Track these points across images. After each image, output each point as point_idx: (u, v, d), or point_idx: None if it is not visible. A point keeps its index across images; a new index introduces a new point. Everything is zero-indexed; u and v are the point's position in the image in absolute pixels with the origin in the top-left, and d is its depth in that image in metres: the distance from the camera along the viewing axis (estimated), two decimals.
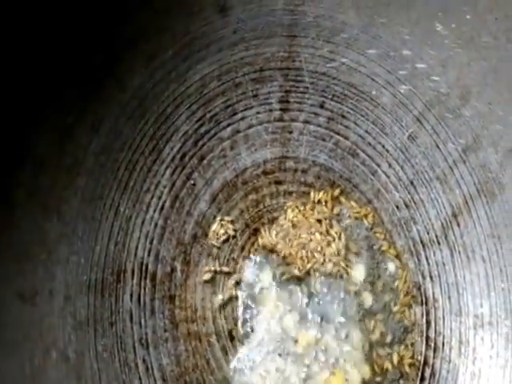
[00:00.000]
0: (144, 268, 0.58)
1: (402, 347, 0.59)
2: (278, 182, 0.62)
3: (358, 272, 0.60)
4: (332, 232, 0.60)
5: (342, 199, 0.62)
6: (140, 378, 0.55)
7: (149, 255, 0.58)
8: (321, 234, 0.60)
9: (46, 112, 0.52)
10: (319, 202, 0.61)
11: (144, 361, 0.56)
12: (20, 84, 0.51)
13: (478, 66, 0.58)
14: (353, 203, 0.62)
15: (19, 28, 0.50)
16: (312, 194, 0.61)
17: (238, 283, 0.59)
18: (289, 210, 0.61)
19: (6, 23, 0.49)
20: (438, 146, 0.61)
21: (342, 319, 0.58)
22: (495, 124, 0.59)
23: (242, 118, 0.62)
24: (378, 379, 0.58)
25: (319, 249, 0.59)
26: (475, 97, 0.59)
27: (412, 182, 0.62)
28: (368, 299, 0.60)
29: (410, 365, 0.58)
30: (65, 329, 0.52)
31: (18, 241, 0.51)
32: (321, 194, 0.62)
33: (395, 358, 0.58)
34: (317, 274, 0.59)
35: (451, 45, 0.58)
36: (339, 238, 0.60)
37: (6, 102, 0.49)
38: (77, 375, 0.52)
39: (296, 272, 0.59)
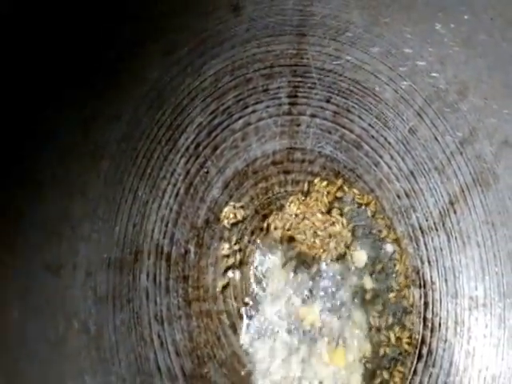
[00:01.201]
0: (160, 249, 0.61)
1: (401, 327, 0.62)
2: (286, 172, 0.66)
3: (360, 256, 0.64)
4: (335, 218, 0.64)
5: (346, 188, 0.66)
6: (155, 352, 0.59)
7: (164, 237, 0.62)
8: (325, 220, 0.64)
9: (72, 100, 0.55)
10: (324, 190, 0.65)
11: (159, 336, 0.59)
12: (49, 75, 0.55)
13: (475, 63, 0.62)
14: (356, 191, 0.65)
15: (47, 20, 0.54)
16: (317, 182, 0.65)
17: (245, 264, 0.63)
18: (292, 200, 0.65)
19: (32, 15, 0.52)
20: (436, 139, 0.65)
21: (345, 300, 0.62)
22: (490, 117, 0.62)
23: (253, 111, 0.66)
24: (378, 356, 0.62)
25: (323, 233, 0.63)
26: (472, 92, 0.63)
27: (412, 173, 0.66)
28: (369, 282, 0.63)
29: (409, 344, 0.62)
30: (86, 302, 0.56)
31: (45, 217, 0.55)
32: (325, 182, 0.65)
33: (394, 338, 0.62)
34: (321, 257, 0.63)
35: (450, 43, 0.62)
36: (342, 224, 0.64)
37: (37, 90, 0.53)
38: (96, 346, 0.56)
39: (302, 255, 0.63)
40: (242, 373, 0.61)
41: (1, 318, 0.49)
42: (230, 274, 0.63)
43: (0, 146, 0.50)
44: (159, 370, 0.58)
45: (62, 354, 0.52)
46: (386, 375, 0.61)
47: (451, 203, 0.64)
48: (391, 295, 0.63)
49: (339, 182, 0.65)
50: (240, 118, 0.65)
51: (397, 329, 0.62)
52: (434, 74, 0.63)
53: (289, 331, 0.61)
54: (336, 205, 0.65)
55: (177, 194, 0.63)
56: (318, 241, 0.63)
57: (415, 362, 0.61)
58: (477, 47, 0.61)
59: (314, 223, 0.63)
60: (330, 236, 0.63)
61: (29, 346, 0.50)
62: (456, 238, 0.64)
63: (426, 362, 0.61)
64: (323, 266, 0.63)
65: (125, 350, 0.57)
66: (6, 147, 0.51)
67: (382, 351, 0.61)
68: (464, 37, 0.61)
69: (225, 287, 0.63)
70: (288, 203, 0.65)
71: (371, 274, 0.64)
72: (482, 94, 0.62)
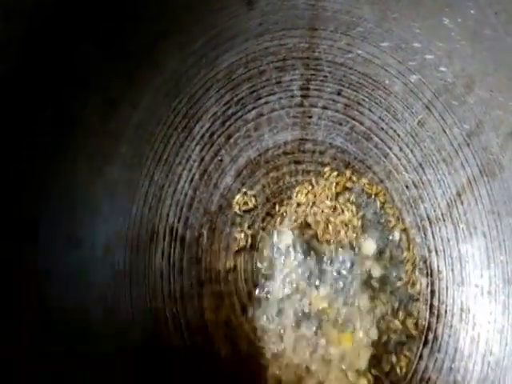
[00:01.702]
0: (174, 232, 0.64)
1: (408, 314, 0.64)
2: (297, 162, 0.68)
3: (369, 245, 0.66)
4: (345, 206, 0.66)
5: (355, 178, 0.68)
6: (167, 326, 0.61)
7: (179, 221, 0.64)
8: (334, 207, 0.66)
9: (98, 86, 0.59)
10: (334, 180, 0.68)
11: (172, 312, 0.62)
12: (72, 62, 0.58)
13: (481, 56, 0.63)
14: (365, 181, 0.67)
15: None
16: (327, 171, 0.67)
17: (256, 249, 0.65)
18: (301, 189, 0.67)
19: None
20: (444, 131, 0.66)
21: (353, 287, 0.64)
22: (496, 110, 0.64)
23: (266, 103, 0.68)
24: (385, 341, 0.63)
25: (334, 220, 0.65)
26: (478, 85, 0.64)
27: (421, 164, 0.67)
28: (377, 270, 0.65)
29: (415, 329, 0.63)
30: (105, 274, 0.59)
31: (67, 192, 0.58)
32: (335, 173, 0.67)
33: (400, 324, 0.63)
34: (331, 244, 0.65)
35: (457, 37, 0.64)
36: (352, 212, 0.66)
37: (61, 75, 0.56)
38: (113, 313, 0.59)
39: (312, 241, 0.65)
40: (252, 353, 0.63)
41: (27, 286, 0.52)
42: (240, 257, 0.65)
43: (27, 121, 0.53)
44: (170, 347, 0.61)
45: (83, 317, 0.55)
46: (392, 359, 0.62)
47: (458, 194, 0.66)
48: (398, 283, 0.65)
49: (348, 172, 0.67)
50: (253, 108, 0.68)
51: (403, 315, 0.64)
52: (442, 68, 0.65)
53: (297, 315, 0.63)
54: (346, 195, 0.67)
55: (191, 180, 0.66)
56: (330, 227, 0.65)
57: (421, 348, 0.63)
58: (483, 41, 0.63)
59: (323, 210, 0.65)
60: (340, 223, 0.65)
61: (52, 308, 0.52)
62: (463, 229, 0.65)
63: (432, 347, 0.62)
64: (333, 252, 0.65)
65: (140, 324, 0.60)
66: (33, 122, 0.54)
67: (388, 336, 0.63)
68: (470, 31, 0.63)
69: (235, 270, 0.65)
70: (297, 192, 0.67)
71: (379, 262, 0.65)
72: (488, 87, 0.64)
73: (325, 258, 0.64)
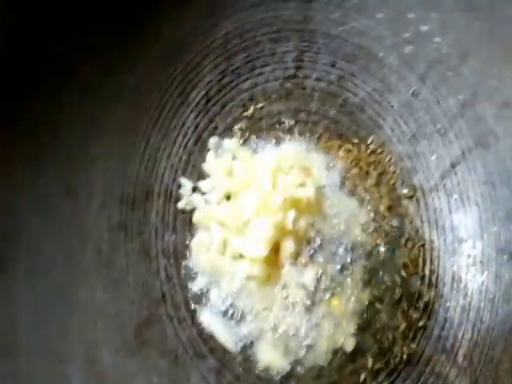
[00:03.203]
0: (169, 193, 0.65)
1: (399, 283, 0.63)
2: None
3: (362, 214, 0.66)
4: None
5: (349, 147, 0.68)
6: (161, 282, 0.62)
7: (173, 183, 0.65)
8: None
9: (97, 47, 0.60)
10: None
11: (165, 268, 0.62)
12: (70, 24, 0.60)
13: (475, 27, 0.64)
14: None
15: None
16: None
17: None
18: None
19: None
20: (438, 102, 0.66)
21: (344, 254, 0.63)
22: (491, 80, 0.64)
23: (260, 73, 0.69)
24: (375, 308, 0.62)
25: None
26: (473, 56, 0.64)
27: (414, 136, 0.67)
28: (369, 239, 0.65)
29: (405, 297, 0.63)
30: (100, 228, 0.60)
31: (66, 152, 0.59)
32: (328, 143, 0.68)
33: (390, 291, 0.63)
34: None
35: (451, 8, 0.64)
36: None
37: (58, 36, 0.58)
38: (108, 265, 0.60)
39: None
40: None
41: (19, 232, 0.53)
42: None
43: (29, 78, 0.55)
44: (164, 298, 0.61)
45: (76, 268, 0.55)
46: (382, 323, 0.61)
47: (452, 165, 0.66)
48: (390, 252, 0.64)
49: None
50: (248, 78, 0.69)
51: (395, 284, 0.63)
52: (436, 39, 0.66)
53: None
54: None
55: (186, 145, 0.67)
56: None
57: (411, 315, 0.62)
58: (477, 11, 0.63)
59: None
60: None
61: (47, 256, 0.53)
62: (456, 199, 0.65)
63: (422, 315, 0.62)
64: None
65: (134, 275, 0.61)
66: (34, 81, 0.56)
67: (377, 304, 0.62)
68: (465, 1, 0.64)
69: None
70: None
71: (371, 232, 0.65)
72: (482, 57, 0.64)
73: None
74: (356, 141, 0.68)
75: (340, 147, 0.67)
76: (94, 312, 0.52)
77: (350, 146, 0.67)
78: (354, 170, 0.67)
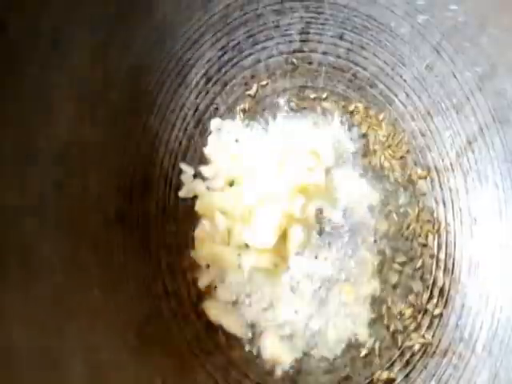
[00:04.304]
0: (169, 181, 0.61)
1: (413, 269, 0.60)
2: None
3: (374, 197, 0.62)
4: None
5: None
6: (163, 276, 0.59)
7: (173, 170, 0.62)
8: None
9: (85, 24, 0.56)
10: None
11: (167, 262, 0.59)
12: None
13: None
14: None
15: None
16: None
17: None
18: None
19: None
20: (454, 75, 0.62)
21: (358, 244, 0.60)
22: (511, 50, 0.59)
23: (263, 48, 0.65)
24: (388, 294, 0.60)
25: None
26: (492, 24, 0.59)
27: (428, 112, 0.63)
28: (381, 223, 0.61)
29: (420, 282, 0.60)
30: (97, 222, 0.55)
31: (57, 142, 0.54)
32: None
33: (405, 277, 0.60)
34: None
35: None
36: None
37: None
38: (105, 262, 0.55)
39: None
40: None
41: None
42: None
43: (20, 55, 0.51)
44: (166, 293, 0.58)
45: (72, 267, 0.52)
46: (396, 312, 0.59)
47: (469, 142, 0.62)
48: (403, 236, 0.61)
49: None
50: (250, 54, 0.65)
51: (408, 269, 0.60)
52: (452, 7, 0.61)
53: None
54: None
55: (186, 129, 0.63)
56: None
57: (425, 303, 0.59)
58: None
59: None
60: None
61: (42, 258, 0.50)
62: (473, 179, 0.61)
63: (437, 302, 0.59)
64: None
65: (133, 271, 0.57)
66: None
67: (391, 291, 0.60)
68: None
69: None
70: None
71: (385, 216, 0.62)
72: (502, 26, 0.59)
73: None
74: (367, 118, 0.64)
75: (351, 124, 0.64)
76: (92, 313, 0.49)
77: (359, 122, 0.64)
78: (365, 149, 0.63)
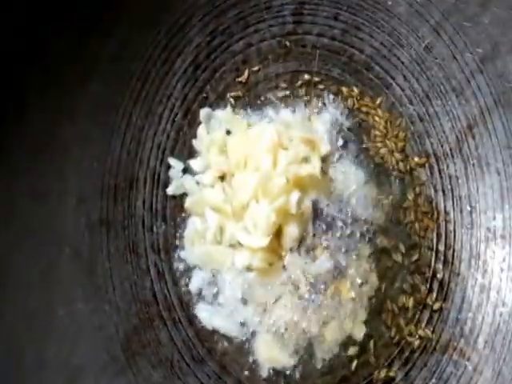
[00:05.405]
0: (156, 177, 0.59)
1: (411, 261, 0.59)
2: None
3: (370, 188, 0.60)
4: None
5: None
6: (151, 281, 0.57)
7: (161, 165, 0.59)
8: None
9: (60, 18, 0.53)
10: None
11: (155, 265, 0.57)
12: None
13: None
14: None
15: None
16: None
17: None
18: None
19: None
20: (454, 57, 0.60)
21: (354, 239, 0.58)
22: None
23: (255, 31, 0.62)
24: (386, 290, 0.58)
25: None
26: (495, 2, 0.57)
27: (427, 95, 0.61)
28: (381, 216, 0.59)
29: (420, 276, 0.58)
30: (78, 228, 0.54)
31: (31, 139, 0.53)
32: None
33: (404, 271, 0.58)
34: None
35: None
36: None
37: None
38: (89, 272, 0.54)
39: None
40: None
41: None
42: None
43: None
44: (155, 299, 0.57)
45: (52, 280, 0.50)
46: (394, 308, 0.57)
47: (469, 127, 0.59)
48: (401, 227, 0.59)
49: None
50: (241, 38, 0.62)
51: (406, 262, 0.58)
52: None
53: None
54: None
55: (174, 120, 0.60)
56: None
57: (424, 297, 0.58)
58: None
59: None
60: None
61: (16, 273, 0.48)
62: (474, 165, 0.59)
63: (437, 296, 0.57)
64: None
65: (119, 278, 0.55)
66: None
67: (389, 285, 0.58)
68: None
69: None
70: None
71: (380, 207, 0.60)
72: (506, 4, 0.57)
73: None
74: (363, 103, 0.61)
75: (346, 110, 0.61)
76: (74, 329, 0.47)
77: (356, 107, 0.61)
78: (361, 136, 0.61)
